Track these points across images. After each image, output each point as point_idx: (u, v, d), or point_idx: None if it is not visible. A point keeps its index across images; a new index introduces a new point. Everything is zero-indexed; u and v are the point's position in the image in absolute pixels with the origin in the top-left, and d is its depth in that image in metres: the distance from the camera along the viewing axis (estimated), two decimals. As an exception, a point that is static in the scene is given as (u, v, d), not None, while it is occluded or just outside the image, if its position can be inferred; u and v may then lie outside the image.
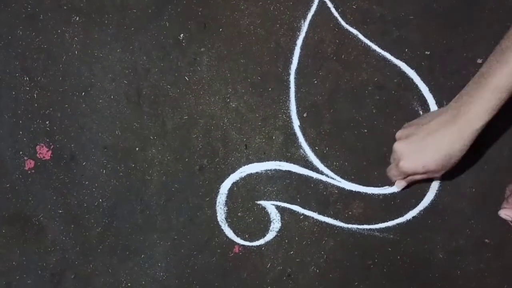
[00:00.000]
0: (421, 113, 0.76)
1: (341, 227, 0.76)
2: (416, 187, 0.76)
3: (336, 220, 0.76)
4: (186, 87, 0.77)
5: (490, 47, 0.74)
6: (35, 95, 0.76)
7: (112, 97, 0.77)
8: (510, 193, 0.67)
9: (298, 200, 0.76)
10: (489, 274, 0.75)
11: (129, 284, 0.77)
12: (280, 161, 0.77)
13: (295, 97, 0.77)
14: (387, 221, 0.76)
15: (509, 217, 0.65)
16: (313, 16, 0.77)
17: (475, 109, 0.58)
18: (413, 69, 0.76)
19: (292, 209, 0.76)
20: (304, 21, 0.77)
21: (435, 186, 0.75)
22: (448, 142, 0.60)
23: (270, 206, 0.76)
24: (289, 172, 0.76)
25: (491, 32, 0.75)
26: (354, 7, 0.77)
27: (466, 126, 0.58)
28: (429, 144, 0.62)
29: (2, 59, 0.76)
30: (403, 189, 0.73)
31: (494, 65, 0.58)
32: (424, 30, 0.77)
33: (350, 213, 0.76)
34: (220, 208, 0.76)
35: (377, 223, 0.76)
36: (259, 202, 0.76)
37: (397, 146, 0.67)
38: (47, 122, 0.76)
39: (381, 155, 0.76)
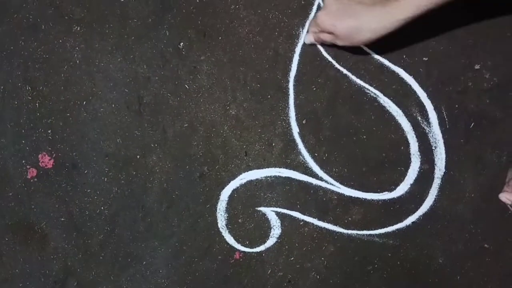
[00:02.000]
0: (419, 119, 0.76)
1: (341, 232, 0.76)
2: (415, 193, 0.76)
3: (336, 226, 0.76)
4: (186, 95, 0.78)
5: (487, 53, 0.74)
6: (37, 104, 0.77)
7: (113, 105, 0.78)
8: (511, 177, 0.67)
9: (298, 206, 0.77)
10: (489, 279, 0.75)
11: (131, 291, 0.77)
12: (280, 167, 0.77)
13: (294, 104, 0.77)
14: (387, 227, 0.76)
15: (509, 201, 0.65)
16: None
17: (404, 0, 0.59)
18: (411, 75, 0.77)
19: (292, 215, 0.77)
20: (302, 29, 0.78)
21: (434, 191, 0.76)
22: (366, 16, 0.62)
23: (270, 212, 0.77)
24: (288, 178, 0.77)
25: (488, 38, 0.76)
26: (352, 14, 0.77)
27: (389, 11, 0.60)
28: (350, 10, 0.63)
29: (5, 69, 0.77)
30: (311, 44, 0.76)
31: None
32: (422, 36, 0.77)
33: (349, 219, 0.76)
34: (221, 214, 0.77)
35: (377, 229, 0.76)
36: (259, 208, 0.77)
37: (328, 0, 0.69)
38: (49, 131, 0.77)
39: (380, 161, 0.77)
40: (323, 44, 0.75)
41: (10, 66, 0.77)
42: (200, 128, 0.78)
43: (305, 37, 0.75)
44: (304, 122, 0.77)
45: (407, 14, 0.60)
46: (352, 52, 0.78)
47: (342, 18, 0.65)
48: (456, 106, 0.77)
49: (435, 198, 0.76)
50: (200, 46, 0.78)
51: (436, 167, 0.76)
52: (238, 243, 0.76)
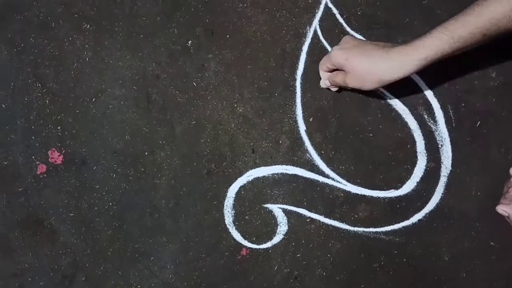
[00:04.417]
0: (426, 117, 0.77)
1: (347, 230, 0.77)
2: (421, 190, 0.76)
3: (342, 223, 0.77)
4: (194, 92, 0.79)
5: (492, 51, 0.75)
6: (47, 101, 0.78)
7: (122, 102, 0.78)
8: (507, 190, 0.68)
9: (305, 203, 0.77)
10: (495, 277, 0.75)
11: (138, 286, 0.78)
12: (286, 165, 0.78)
13: (301, 102, 0.78)
14: (393, 224, 0.77)
15: (506, 213, 0.66)
16: (318, 22, 0.78)
17: (417, 43, 0.60)
18: (417, 74, 0.77)
19: (298, 212, 0.77)
20: (309, 27, 0.78)
21: (440, 189, 0.76)
22: (379, 57, 0.62)
23: (277, 209, 0.77)
24: (295, 175, 0.77)
25: (495, 37, 0.76)
26: (359, 13, 0.78)
27: (402, 53, 0.61)
28: (365, 49, 0.64)
29: (15, 66, 0.78)
30: (328, 89, 0.75)
31: (457, 15, 0.61)
32: (429, 35, 0.77)
33: (356, 216, 0.77)
34: (228, 211, 0.78)
35: (383, 226, 0.77)
36: (266, 205, 0.77)
37: (346, 36, 0.69)
38: (58, 128, 0.78)
39: (386, 159, 0.77)
40: (336, 85, 0.73)
41: (21, 63, 0.78)
42: (207, 126, 0.78)
43: (321, 81, 0.75)
44: (311, 120, 0.78)
45: (419, 55, 0.60)
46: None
47: (356, 55, 0.64)
48: (463, 104, 0.77)
49: (441, 196, 0.76)
50: (208, 44, 0.79)
51: (442, 165, 0.76)
52: (245, 239, 0.77)
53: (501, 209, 0.66)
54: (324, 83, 0.74)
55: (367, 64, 0.63)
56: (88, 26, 0.78)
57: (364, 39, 0.75)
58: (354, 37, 0.68)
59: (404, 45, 0.62)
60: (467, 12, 0.59)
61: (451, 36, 0.59)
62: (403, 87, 0.77)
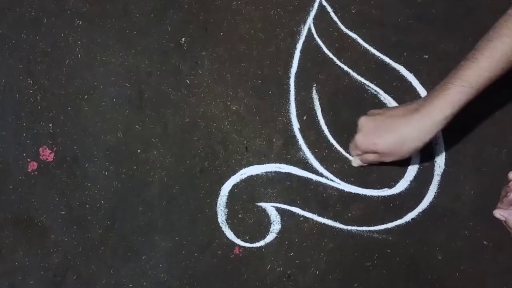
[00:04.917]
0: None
1: (340, 228, 0.77)
2: (415, 189, 0.76)
3: (336, 221, 0.77)
4: (188, 90, 0.78)
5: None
6: (38, 98, 0.77)
7: (114, 100, 0.78)
8: (505, 194, 0.68)
9: (298, 202, 0.77)
10: (488, 276, 0.75)
11: (130, 285, 0.77)
12: (280, 163, 0.77)
13: (295, 100, 0.78)
14: (386, 223, 0.76)
15: (503, 217, 0.66)
16: (313, 20, 0.78)
17: (438, 101, 0.59)
18: (412, 73, 0.77)
19: (292, 211, 0.77)
20: (304, 26, 0.78)
21: (433, 188, 0.76)
22: (405, 127, 0.61)
23: (270, 208, 0.77)
24: (289, 174, 0.77)
25: (488, 36, 0.76)
26: (354, 11, 0.78)
27: (427, 116, 0.60)
28: (387, 125, 0.63)
29: (7, 62, 0.77)
30: (362, 167, 0.75)
31: (463, 62, 0.61)
32: (423, 34, 0.78)
33: (349, 214, 0.76)
34: (221, 209, 0.77)
35: (376, 225, 0.76)
36: (259, 204, 0.77)
37: (361, 119, 0.67)
38: (50, 125, 0.77)
39: (380, 157, 0.77)
40: (372, 163, 0.73)
41: (12, 59, 0.77)
42: (201, 123, 0.78)
43: (352, 161, 0.75)
44: (304, 118, 0.78)
45: (445, 113, 0.59)
46: (353, 50, 0.78)
47: (381, 135, 0.63)
48: (456, 103, 0.77)
49: (434, 195, 0.76)
50: (202, 42, 0.79)
51: (435, 164, 0.76)
52: (238, 238, 0.77)
53: (499, 213, 0.67)
54: (356, 163, 0.74)
55: (396, 140, 0.62)
56: (80, 23, 0.78)
57: (377, 111, 0.70)
58: (369, 116, 0.67)
59: (423, 106, 0.61)
60: (477, 57, 0.59)
61: (470, 87, 0.59)
62: (397, 86, 0.77)
